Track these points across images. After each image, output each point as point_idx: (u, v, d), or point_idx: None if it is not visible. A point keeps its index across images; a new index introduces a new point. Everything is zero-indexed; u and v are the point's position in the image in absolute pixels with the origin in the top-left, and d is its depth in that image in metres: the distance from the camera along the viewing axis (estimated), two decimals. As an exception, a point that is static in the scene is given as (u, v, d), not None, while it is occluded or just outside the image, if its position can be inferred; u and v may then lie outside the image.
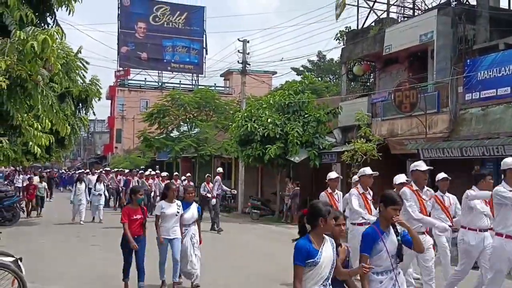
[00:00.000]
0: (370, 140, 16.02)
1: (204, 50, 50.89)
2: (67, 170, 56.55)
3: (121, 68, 49.14)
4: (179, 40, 49.92)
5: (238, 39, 23.21)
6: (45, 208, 20.91)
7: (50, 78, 17.27)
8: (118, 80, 50.08)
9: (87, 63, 17.71)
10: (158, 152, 29.28)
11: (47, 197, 24.06)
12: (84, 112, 17.97)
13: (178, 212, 7.86)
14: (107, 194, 20.56)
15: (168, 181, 19.45)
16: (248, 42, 23.17)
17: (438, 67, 16.22)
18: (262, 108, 20.02)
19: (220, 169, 18.74)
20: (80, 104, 18.04)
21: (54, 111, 6.34)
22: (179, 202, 8.00)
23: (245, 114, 20.08)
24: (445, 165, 16.76)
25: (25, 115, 6.19)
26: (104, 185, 19.77)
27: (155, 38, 48.93)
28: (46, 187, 21.90)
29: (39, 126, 6.31)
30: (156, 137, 28.22)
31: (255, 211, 20.84)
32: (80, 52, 17.27)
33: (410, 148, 15.18)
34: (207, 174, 18.84)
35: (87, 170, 28.76)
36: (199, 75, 50.33)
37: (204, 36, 51.00)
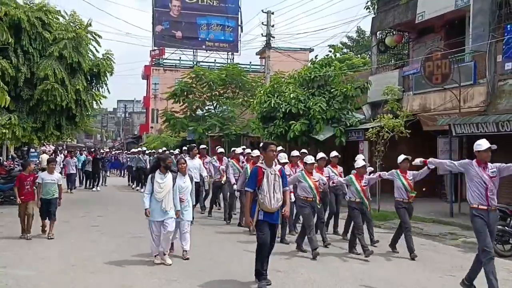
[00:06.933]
0: (398, 115, 14.71)
1: (240, 27, 49.68)
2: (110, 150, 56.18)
3: (156, 48, 48.75)
4: (213, 17, 48.83)
5: (262, 11, 21.99)
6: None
7: (60, 53, 16.57)
8: (153, 60, 49.77)
9: (99, 36, 17.12)
10: (182, 131, 28.47)
11: (88, 182, 23.00)
12: (97, 88, 17.45)
13: None
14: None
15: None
16: (272, 13, 21.89)
17: (474, 33, 14.60)
18: (285, 83, 18.90)
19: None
20: (94, 80, 17.51)
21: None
22: None
23: (268, 90, 19.02)
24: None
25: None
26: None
27: (189, 16, 48.10)
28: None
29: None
30: (179, 117, 27.44)
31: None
32: (91, 25, 16.67)
33: (440, 124, 13.80)
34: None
35: (139, 149, 24.40)
36: (234, 53, 49.31)
37: (239, 13, 49.79)
